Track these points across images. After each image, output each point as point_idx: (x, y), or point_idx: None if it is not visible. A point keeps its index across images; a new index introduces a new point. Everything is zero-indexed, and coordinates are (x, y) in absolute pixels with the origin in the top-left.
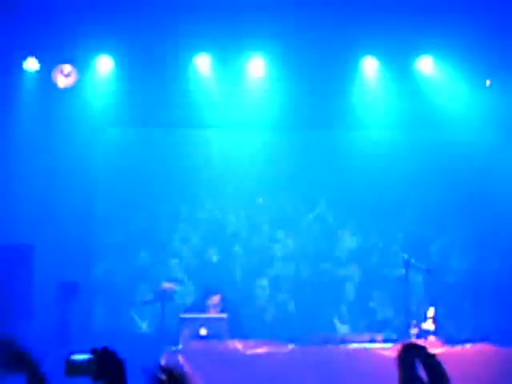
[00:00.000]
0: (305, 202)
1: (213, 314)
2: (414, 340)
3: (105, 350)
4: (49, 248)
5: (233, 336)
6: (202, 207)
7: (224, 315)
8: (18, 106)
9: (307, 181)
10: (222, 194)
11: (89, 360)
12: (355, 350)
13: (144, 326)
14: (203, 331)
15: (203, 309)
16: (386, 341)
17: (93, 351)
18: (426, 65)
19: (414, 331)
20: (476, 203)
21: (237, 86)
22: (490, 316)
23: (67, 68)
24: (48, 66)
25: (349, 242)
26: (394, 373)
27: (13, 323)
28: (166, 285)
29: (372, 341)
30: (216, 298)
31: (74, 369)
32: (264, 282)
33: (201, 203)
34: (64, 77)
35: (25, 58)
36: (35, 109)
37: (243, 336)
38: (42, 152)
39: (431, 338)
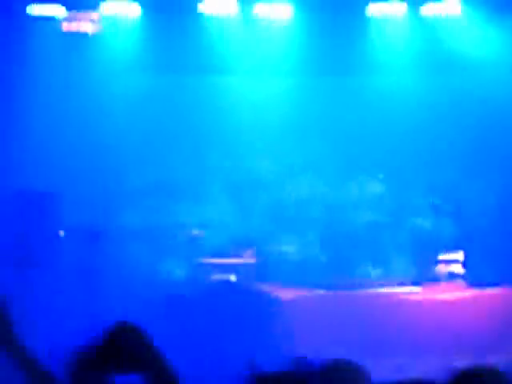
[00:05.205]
0: (329, 147)
1: (241, 259)
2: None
3: (121, 327)
4: (76, 196)
5: (261, 281)
6: (228, 154)
7: (252, 260)
8: (42, 53)
9: (331, 126)
10: (247, 141)
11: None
12: (383, 295)
13: (177, 272)
14: (232, 277)
15: (233, 255)
16: (414, 283)
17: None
18: (446, 7)
19: (442, 273)
20: (504, 148)
21: (261, 31)
22: None
23: (93, 15)
24: (74, 12)
25: (373, 188)
26: (421, 318)
27: (38, 272)
28: (196, 232)
29: (401, 284)
30: (249, 252)
31: None
32: (293, 228)
33: (227, 150)
34: (90, 23)
35: (51, 3)
36: (60, 56)
37: (271, 281)
38: (70, 99)
39: (459, 281)
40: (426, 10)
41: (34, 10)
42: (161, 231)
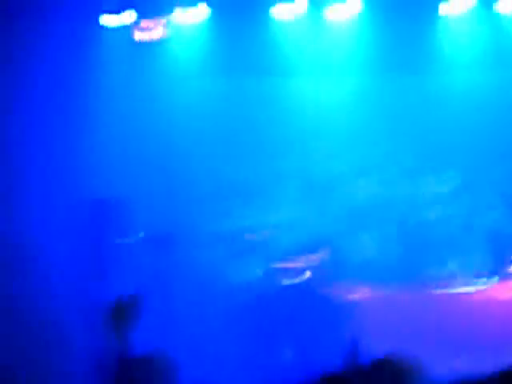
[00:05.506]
0: (399, 145)
1: (315, 260)
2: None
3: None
4: (147, 202)
5: (335, 280)
6: (298, 155)
7: (326, 260)
8: (112, 61)
9: (400, 124)
10: (316, 142)
11: None
12: (457, 294)
13: (251, 275)
14: (306, 277)
15: (307, 255)
16: (489, 280)
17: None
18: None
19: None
20: None
21: (328, 32)
22: None
23: (163, 21)
24: (147, 20)
25: (446, 184)
26: (495, 316)
27: (108, 276)
28: (269, 233)
29: (475, 282)
30: (322, 253)
31: None
32: (367, 227)
33: (297, 151)
34: (160, 30)
35: (124, 9)
36: (130, 64)
37: (345, 280)
38: (139, 106)
39: None
40: (500, 7)
41: (107, 19)
42: (233, 234)
